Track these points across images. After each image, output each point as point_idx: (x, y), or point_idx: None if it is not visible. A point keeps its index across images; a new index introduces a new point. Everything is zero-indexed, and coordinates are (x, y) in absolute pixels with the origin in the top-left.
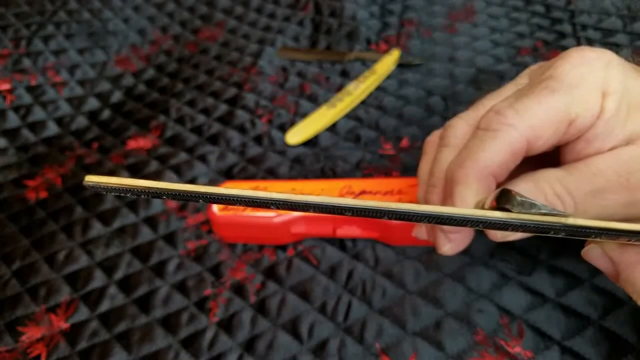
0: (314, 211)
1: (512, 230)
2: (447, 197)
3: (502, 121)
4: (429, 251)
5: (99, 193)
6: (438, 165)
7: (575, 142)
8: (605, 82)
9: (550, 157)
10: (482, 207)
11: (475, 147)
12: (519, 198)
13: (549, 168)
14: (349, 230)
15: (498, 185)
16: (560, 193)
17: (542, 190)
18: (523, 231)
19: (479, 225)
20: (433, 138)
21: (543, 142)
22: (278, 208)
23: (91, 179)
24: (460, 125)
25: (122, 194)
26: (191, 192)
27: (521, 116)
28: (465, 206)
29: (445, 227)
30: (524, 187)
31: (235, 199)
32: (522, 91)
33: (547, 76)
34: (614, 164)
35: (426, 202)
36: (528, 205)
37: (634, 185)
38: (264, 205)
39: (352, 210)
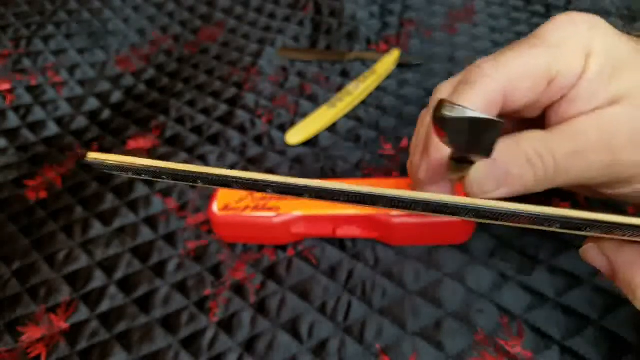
0: (309, 196)
1: (504, 220)
2: (424, 151)
3: (480, 73)
4: (429, 251)
5: (101, 171)
6: (421, 126)
7: (559, 103)
8: (590, 43)
9: (540, 126)
10: (453, 159)
11: (453, 99)
12: (450, 105)
13: (532, 130)
14: (349, 230)
15: None
16: (542, 152)
17: (523, 149)
18: (515, 222)
19: (470, 214)
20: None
21: (521, 95)
22: (274, 192)
23: (93, 155)
24: (445, 87)
25: (123, 173)
26: (190, 173)
27: (498, 68)
28: (439, 155)
29: (421, 180)
30: (506, 144)
31: (233, 180)
32: (505, 48)
33: (531, 35)
34: (596, 124)
35: (410, 163)
36: (460, 111)
37: (616, 145)
38: (261, 189)
39: (347, 195)
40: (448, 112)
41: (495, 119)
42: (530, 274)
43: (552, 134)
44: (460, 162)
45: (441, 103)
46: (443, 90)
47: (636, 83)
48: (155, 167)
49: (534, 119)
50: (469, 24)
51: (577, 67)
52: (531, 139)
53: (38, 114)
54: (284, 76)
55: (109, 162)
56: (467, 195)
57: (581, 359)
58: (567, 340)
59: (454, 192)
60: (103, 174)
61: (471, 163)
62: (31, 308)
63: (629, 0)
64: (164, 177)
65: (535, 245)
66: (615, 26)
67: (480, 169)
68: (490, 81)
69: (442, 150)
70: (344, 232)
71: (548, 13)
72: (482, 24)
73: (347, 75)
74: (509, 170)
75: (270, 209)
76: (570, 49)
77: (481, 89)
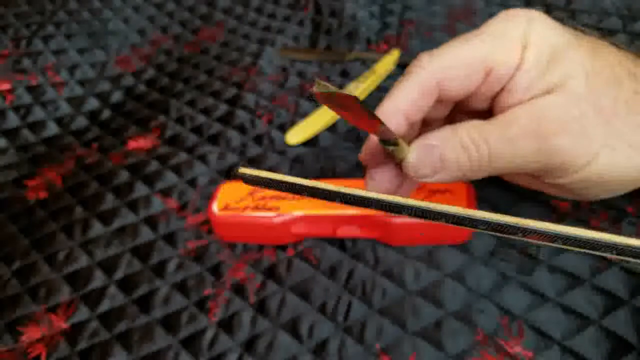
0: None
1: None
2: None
3: (416, 64)
4: (429, 251)
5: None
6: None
7: (500, 94)
8: (527, 35)
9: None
10: (390, 141)
11: (392, 89)
12: (321, 83)
13: (473, 120)
14: (349, 230)
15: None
16: (475, 138)
17: (458, 135)
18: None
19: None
20: None
21: (456, 84)
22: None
23: (243, 170)
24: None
25: (268, 187)
26: (328, 191)
27: (432, 59)
28: (372, 138)
29: (364, 164)
30: (443, 131)
31: (376, 202)
32: (446, 42)
33: (472, 31)
34: (528, 111)
35: (365, 146)
36: (324, 87)
37: (545, 131)
38: (398, 211)
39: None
40: (316, 88)
41: (347, 93)
42: (530, 274)
43: (489, 122)
44: (386, 143)
45: (315, 82)
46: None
47: (570, 73)
48: (299, 184)
49: (485, 111)
50: (469, 24)
51: (514, 59)
52: (467, 126)
53: (38, 114)
54: (284, 76)
55: (258, 177)
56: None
57: (581, 359)
58: (567, 340)
59: (397, 177)
60: (103, 174)
61: (395, 144)
62: (31, 308)
63: (629, 0)
64: (304, 193)
65: (535, 245)
66: (616, 26)
67: (416, 154)
68: (424, 71)
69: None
70: (344, 232)
71: (548, 13)
72: (482, 24)
73: (347, 75)
74: (445, 156)
75: (270, 209)
76: (508, 41)
77: (415, 79)
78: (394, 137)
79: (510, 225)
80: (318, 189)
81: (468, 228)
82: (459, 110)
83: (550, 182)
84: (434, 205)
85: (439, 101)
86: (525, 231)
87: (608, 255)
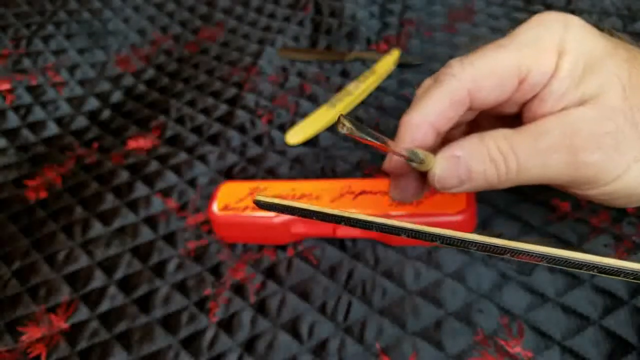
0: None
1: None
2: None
3: (447, 72)
4: (429, 251)
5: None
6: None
7: (532, 101)
8: (562, 41)
9: (519, 123)
10: (414, 154)
11: (420, 97)
12: (344, 123)
13: (500, 128)
14: (349, 230)
15: (446, 138)
16: (504, 150)
17: (486, 145)
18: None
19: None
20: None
21: (486, 94)
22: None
23: (261, 198)
24: (427, 82)
25: (284, 213)
26: (343, 218)
27: (464, 67)
28: (401, 150)
29: (388, 172)
30: (470, 141)
31: (402, 229)
32: (478, 49)
33: (506, 36)
34: (561, 123)
35: (388, 158)
36: (350, 129)
37: (577, 146)
38: (429, 239)
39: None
40: (340, 129)
41: (375, 139)
42: (530, 274)
43: (518, 132)
44: (412, 160)
45: (338, 120)
46: (425, 85)
47: (604, 84)
48: (309, 209)
49: (514, 115)
50: (469, 24)
51: (548, 66)
52: (496, 136)
53: (38, 114)
54: (284, 76)
55: (272, 203)
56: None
57: (581, 359)
58: (567, 340)
59: (422, 184)
60: (103, 174)
61: (421, 162)
62: (31, 308)
63: (629, 0)
64: (314, 217)
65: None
66: (616, 26)
67: (443, 166)
68: (456, 80)
69: (404, 145)
70: (344, 232)
71: None
72: (482, 24)
73: (347, 75)
74: (471, 167)
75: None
76: (542, 48)
77: (447, 88)
78: (420, 159)
79: (499, 247)
80: (326, 213)
81: (460, 248)
82: (485, 113)
83: (576, 193)
84: (429, 228)
85: (469, 109)
86: (514, 252)
87: (592, 273)
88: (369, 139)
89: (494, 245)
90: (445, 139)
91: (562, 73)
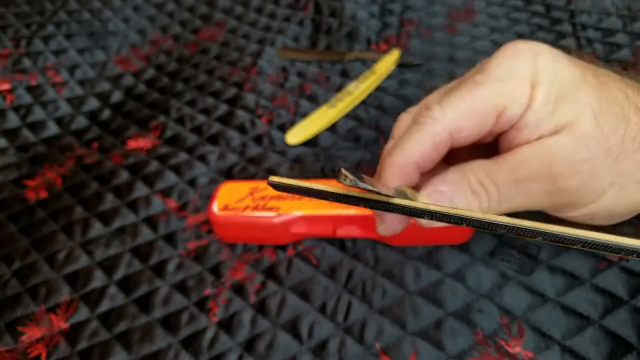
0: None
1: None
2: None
3: (428, 114)
4: (429, 251)
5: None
6: (382, 155)
7: (508, 131)
8: (534, 72)
9: (494, 149)
10: (401, 193)
11: (403, 139)
12: (346, 175)
13: (479, 159)
14: (349, 230)
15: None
16: (484, 182)
17: (467, 180)
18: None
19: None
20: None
21: (467, 134)
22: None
23: (274, 179)
24: (405, 119)
25: (299, 194)
26: (353, 198)
27: (444, 110)
28: (389, 190)
29: (379, 214)
30: (452, 176)
31: (425, 212)
32: (452, 85)
33: (476, 70)
34: (537, 153)
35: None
36: (353, 181)
37: (555, 173)
38: (456, 222)
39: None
40: (342, 180)
41: (382, 193)
42: (530, 274)
43: (497, 164)
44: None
45: (339, 172)
46: (402, 122)
47: (578, 113)
48: (324, 190)
49: (488, 143)
50: (469, 24)
51: (523, 98)
52: (476, 169)
53: (38, 114)
54: (284, 76)
55: (286, 184)
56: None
57: (581, 358)
58: (567, 340)
59: (406, 218)
60: (103, 174)
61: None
62: (31, 308)
63: (629, 0)
64: (330, 199)
65: (535, 245)
66: (616, 26)
67: (428, 201)
68: (437, 124)
69: (388, 186)
70: (344, 232)
71: (548, 13)
72: (482, 24)
73: (347, 75)
74: (455, 202)
75: (270, 209)
76: (517, 81)
77: (428, 132)
78: (407, 198)
79: (529, 230)
80: (341, 194)
81: (488, 231)
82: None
83: (556, 215)
84: (455, 210)
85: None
86: (545, 235)
87: (631, 257)
88: (369, 189)
89: (524, 228)
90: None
91: (536, 104)
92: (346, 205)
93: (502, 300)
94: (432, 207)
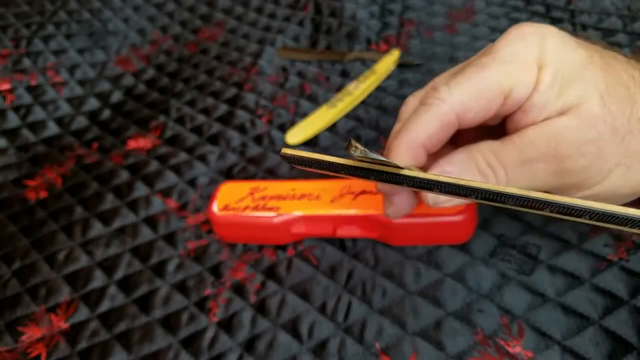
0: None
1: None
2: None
3: (435, 96)
4: (429, 251)
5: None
6: (389, 137)
7: (515, 113)
8: (541, 54)
9: (501, 132)
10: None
11: (410, 120)
12: (357, 146)
13: (487, 140)
14: (349, 230)
15: (435, 155)
16: (492, 163)
17: (475, 160)
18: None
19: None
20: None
21: (473, 115)
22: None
23: (286, 151)
24: (412, 101)
25: (310, 168)
26: (365, 169)
27: (451, 91)
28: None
29: (387, 195)
30: (459, 157)
31: (435, 184)
32: (459, 68)
33: (482, 53)
34: (544, 134)
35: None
36: (363, 152)
37: (562, 154)
38: (465, 193)
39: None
40: (353, 152)
41: (393, 163)
42: (530, 274)
43: (504, 144)
44: None
45: (349, 143)
46: (408, 104)
47: (583, 94)
48: (337, 163)
49: (494, 125)
50: (469, 24)
51: (529, 81)
52: (483, 150)
53: (38, 114)
54: (284, 76)
55: (299, 156)
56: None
57: (581, 358)
58: (567, 340)
59: (414, 199)
60: (103, 174)
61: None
62: (31, 308)
63: (629, 0)
64: (343, 172)
65: (535, 245)
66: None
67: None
68: (445, 105)
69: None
70: (344, 232)
71: (548, 13)
72: (482, 24)
73: (347, 75)
74: None
75: (270, 209)
76: (523, 63)
77: (436, 113)
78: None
79: (538, 200)
80: (353, 167)
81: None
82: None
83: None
84: (465, 181)
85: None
86: (553, 205)
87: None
88: (379, 159)
89: (533, 199)
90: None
91: (542, 86)
92: (356, 178)
93: (502, 300)
94: (442, 179)
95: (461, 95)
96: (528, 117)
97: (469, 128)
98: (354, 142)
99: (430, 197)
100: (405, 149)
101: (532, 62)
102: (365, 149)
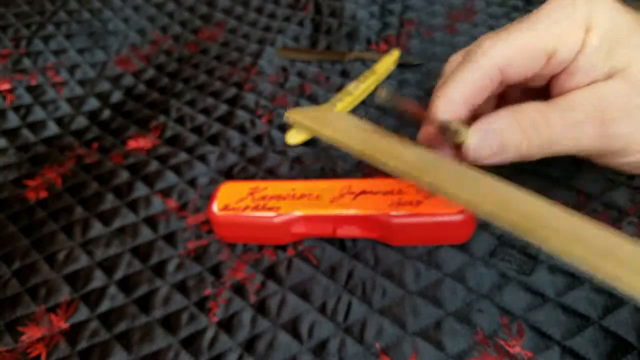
0: None
1: None
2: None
3: (479, 51)
4: (429, 251)
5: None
6: (433, 91)
7: (560, 75)
8: (589, 17)
9: (546, 95)
10: (449, 127)
11: (454, 73)
12: (385, 89)
13: (533, 101)
14: (349, 230)
15: (476, 111)
16: (538, 123)
17: (519, 119)
18: None
19: None
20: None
21: (518, 70)
22: None
23: (290, 114)
24: (455, 58)
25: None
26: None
27: (496, 46)
28: (437, 121)
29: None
30: (504, 113)
31: None
32: (506, 26)
33: (533, 13)
34: (591, 97)
35: (421, 131)
36: (390, 93)
37: (608, 118)
38: None
39: None
40: (379, 95)
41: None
42: (530, 274)
43: (550, 105)
44: (446, 131)
45: (377, 89)
46: (454, 60)
47: (631, 59)
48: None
49: (541, 88)
50: (469, 24)
51: (576, 42)
52: (529, 109)
53: (38, 114)
54: (284, 76)
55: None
56: (463, 159)
57: (581, 359)
58: (567, 340)
59: (453, 157)
60: (103, 174)
61: (455, 132)
62: (31, 308)
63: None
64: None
65: (535, 245)
66: None
67: (477, 139)
68: (488, 59)
69: (437, 120)
70: (344, 232)
71: None
72: (482, 24)
73: (347, 75)
74: (505, 139)
75: (270, 209)
76: (570, 25)
77: (479, 65)
78: (455, 130)
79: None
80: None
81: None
82: (513, 87)
83: (602, 162)
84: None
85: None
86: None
87: None
88: (408, 105)
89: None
90: (475, 113)
91: (589, 49)
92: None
93: (502, 300)
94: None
95: (504, 50)
96: (573, 80)
97: (514, 91)
98: (380, 88)
99: (472, 150)
100: (448, 101)
101: (580, 24)
102: (392, 93)
